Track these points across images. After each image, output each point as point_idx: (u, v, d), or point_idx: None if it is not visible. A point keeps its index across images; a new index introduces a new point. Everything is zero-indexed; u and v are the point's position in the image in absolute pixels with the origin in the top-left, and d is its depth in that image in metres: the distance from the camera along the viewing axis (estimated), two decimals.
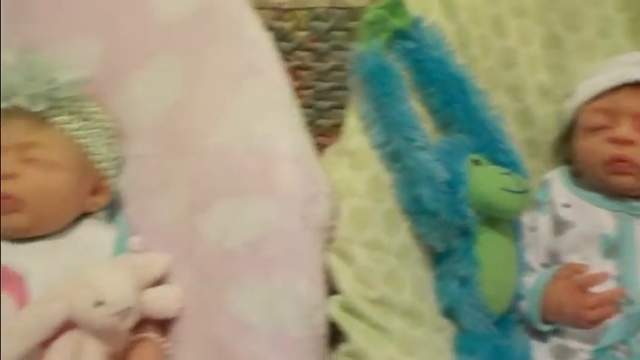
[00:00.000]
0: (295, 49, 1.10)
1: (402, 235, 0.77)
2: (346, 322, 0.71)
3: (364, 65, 0.78)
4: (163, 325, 0.78)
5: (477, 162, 0.80)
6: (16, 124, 0.77)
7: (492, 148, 0.81)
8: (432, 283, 0.78)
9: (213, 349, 0.72)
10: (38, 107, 0.76)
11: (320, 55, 1.13)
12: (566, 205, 0.86)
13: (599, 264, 0.82)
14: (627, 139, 0.82)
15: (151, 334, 0.76)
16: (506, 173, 0.79)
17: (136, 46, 0.86)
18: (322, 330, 0.71)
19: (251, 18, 0.82)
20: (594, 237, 0.83)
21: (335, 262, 0.74)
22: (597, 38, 0.94)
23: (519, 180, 0.79)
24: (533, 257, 0.85)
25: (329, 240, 0.76)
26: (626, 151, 0.82)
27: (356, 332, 0.70)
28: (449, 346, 0.75)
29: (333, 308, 0.72)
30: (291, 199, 0.73)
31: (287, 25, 1.08)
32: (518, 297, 0.83)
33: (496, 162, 0.81)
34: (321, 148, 0.82)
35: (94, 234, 0.81)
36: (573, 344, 0.80)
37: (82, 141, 0.80)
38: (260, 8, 0.93)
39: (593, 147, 0.84)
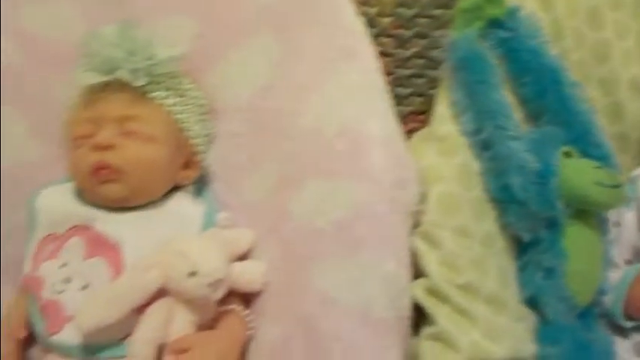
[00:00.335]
0: (378, 34, 1.10)
1: (488, 223, 0.77)
2: (431, 306, 0.72)
3: (457, 52, 0.79)
4: (247, 299, 0.81)
5: (568, 154, 0.79)
6: (117, 97, 0.80)
7: (584, 141, 0.81)
8: (515, 273, 0.79)
9: (297, 323, 0.74)
10: (139, 82, 0.79)
11: (402, 42, 1.13)
12: None
13: None
14: None
15: (236, 307, 0.79)
16: (599, 167, 0.79)
17: (231, 25, 0.88)
18: (407, 312, 0.72)
19: (346, 3, 0.84)
20: None
21: (421, 246, 0.75)
22: None
23: (612, 174, 0.79)
24: (617, 253, 0.85)
25: (415, 224, 0.77)
26: None
27: (441, 316, 0.71)
28: (530, 336, 0.75)
29: (418, 291, 0.74)
30: (380, 182, 0.75)
31: (372, 11, 1.08)
32: (601, 292, 0.82)
33: (587, 155, 0.80)
34: None
35: (184, 207, 0.83)
36: None
37: (178, 116, 0.82)
38: None
39: None
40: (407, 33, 1.13)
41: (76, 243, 0.79)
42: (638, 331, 0.81)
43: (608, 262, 0.83)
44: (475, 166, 0.78)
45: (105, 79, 0.80)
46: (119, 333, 0.73)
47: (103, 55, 0.80)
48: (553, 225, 0.77)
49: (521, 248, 0.79)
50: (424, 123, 0.92)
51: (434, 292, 0.73)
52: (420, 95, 1.22)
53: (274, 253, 0.80)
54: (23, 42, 0.90)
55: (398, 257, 0.73)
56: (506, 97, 0.79)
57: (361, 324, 0.70)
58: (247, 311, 0.80)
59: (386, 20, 1.11)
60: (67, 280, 0.77)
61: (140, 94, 0.80)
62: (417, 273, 0.75)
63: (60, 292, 0.76)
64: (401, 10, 1.10)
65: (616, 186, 0.78)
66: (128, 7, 0.90)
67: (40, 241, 0.81)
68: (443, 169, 0.77)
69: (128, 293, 0.72)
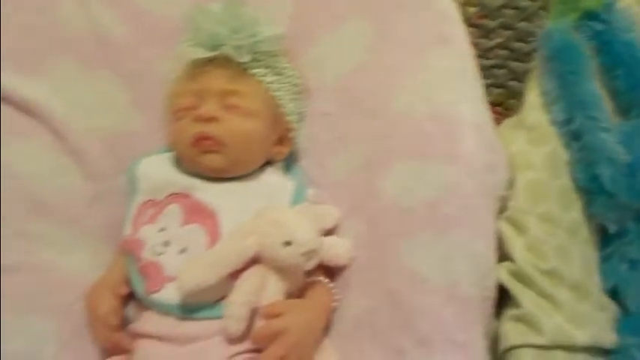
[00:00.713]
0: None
1: (574, 212, 0.78)
2: (516, 289, 0.75)
3: (551, 42, 0.80)
4: (332, 273, 0.84)
5: None
6: (220, 72, 0.84)
7: None
8: (598, 264, 0.80)
9: (383, 296, 0.77)
10: (242, 58, 0.83)
11: (486, 32, 1.14)
12: None
13: None
14: None
15: (323, 279, 0.83)
16: None
17: (327, 7, 0.91)
18: (492, 292, 0.75)
19: None
20: None
21: (507, 230, 0.77)
22: None
23: None
24: None
25: (502, 209, 0.79)
26: None
27: (526, 299, 0.74)
28: (612, 325, 0.76)
29: (503, 274, 0.76)
30: (471, 165, 0.77)
31: (458, 0, 1.11)
32: None
33: None
34: None
35: (276, 181, 0.88)
36: None
37: (275, 94, 0.86)
38: None
39: None
40: (492, 23, 1.14)
41: (174, 209, 0.84)
42: None
43: None
44: (564, 155, 0.79)
45: (210, 54, 0.84)
46: (215, 295, 0.78)
47: (208, 31, 0.84)
48: None
49: (606, 239, 0.80)
50: (501, 115, 0.94)
51: (519, 276, 0.75)
52: (499, 87, 1.23)
53: (360, 230, 0.84)
54: (131, 15, 0.95)
55: (486, 238, 0.75)
56: (598, 88, 0.80)
57: (448, 300, 0.73)
58: (333, 284, 0.84)
59: (471, 10, 1.12)
60: (166, 244, 0.82)
61: (242, 70, 0.84)
62: (502, 256, 0.77)
63: (159, 254, 0.81)
64: (487, 1, 1.11)
65: None
66: None
67: (139, 206, 0.87)
68: (532, 157, 0.79)
69: (227, 258, 0.76)
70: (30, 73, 0.88)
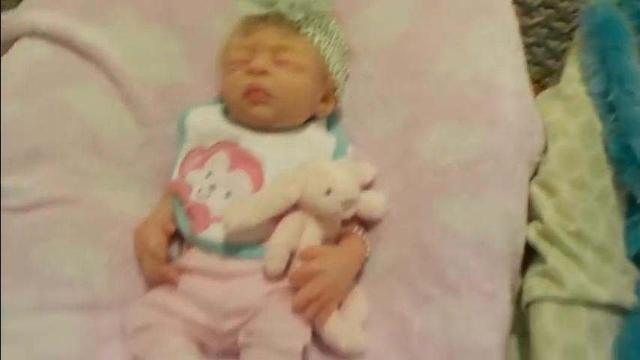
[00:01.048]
0: None
1: (604, 180, 0.82)
2: (543, 247, 0.79)
3: (594, 17, 0.83)
4: (367, 226, 0.89)
5: None
6: (273, 28, 0.88)
7: None
8: (624, 231, 0.83)
9: (415, 247, 0.82)
10: (295, 17, 0.87)
11: (528, 10, 1.16)
12: None
13: None
14: None
15: (357, 229, 0.88)
16: None
17: None
18: (521, 249, 0.79)
19: None
20: None
21: (538, 193, 0.81)
22: None
23: None
24: None
25: (535, 174, 0.83)
26: None
27: (552, 256, 0.78)
28: (633, 288, 0.80)
29: (532, 233, 0.80)
30: (509, 129, 0.81)
31: None
32: None
33: None
34: None
35: (319, 136, 0.92)
36: None
37: (323, 52, 0.90)
38: None
39: None
40: (534, 2, 1.16)
41: (221, 157, 0.89)
42: None
43: None
44: (598, 126, 0.83)
45: (264, 11, 0.88)
46: (257, 237, 0.83)
47: None
48: None
49: (633, 208, 0.83)
50: (537, 93, 0.97)
51: (547, 236, 0.79)
52: (537, 64, 1.26)
53: (396, 187, 0.88)
54: None
55: (518, 198, 0.79)
56: (636, 65, 0.83)
57: (477, 253, 0.77)
58: (366, 235, 0.88)
59: None
60: (212, 188, 0.87)
61: (293, 28, 0.89)
62: (531, 217, 0.81)
63: (206, 197, 0.86)
64: None
65: None
66: None
67: (188, 153, 0.92)
68: (567, 126, 0.82)
69: (271, 201, 0.81)
70: (92, 21, 0.93)
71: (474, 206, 0.79)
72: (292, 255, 0.83)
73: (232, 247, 0.83)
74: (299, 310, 0.79)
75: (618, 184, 0.82)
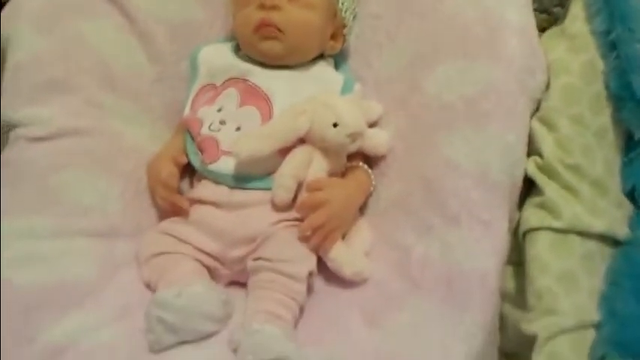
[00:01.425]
0: None
1: (604, 117, 0.84)
2: (542, 180, 0.81)
3: None
4: (371, 162, 0.92)
5: None
6: None
7: None
8: (620, 167, 0.86)
9: (418, 181, 0.85)
10: None
11: None
12: None
13: None
14: None
15: (362, 164, 0.91)
16: None
17: None
18: (519, 181, 0.82)
19: None
20: None
21: (539, 128, 0.83)
22: None
23: None
24: None
25: (536, 109, 0.85)
26: None
27: (550, 189, 0.81)
28: (626, 221, 0.83)
29: (531, 166, 0.83)
30: (512, 66, 0.83)
31: None
32: None
33: None
34: None
35: (326, 73, 0.94)
36: None
37: None
38: None
39: None
40: None
41: (231, 92, 0.91)
42: None
43: None
44: (600, 64, 0.85)
45: None
46: (265, 168, 0.86)
47: None
48: None
49: (631, 144, 0.86)
50: None
51: (545, 169, 0.82)
52: (543, 12, 1.26)
53: (402, 124, 0.91)
54: None
55: (518, 131, 0.82)
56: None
57: (478, 184, 0.80)
58: (371, 170, 0.91)
59: None
60: (223, 122, 0.89)
61: None
62: (531, 152, 0.84)
63: (217, 131, 0.89)
64: None
65: None
66: None
67: (199, 89, 0.94)
68: (569, 63, 0.84)
69: (281, 132, 0.84)
70: None
71: (475, 139, 0.82)
72: (299, 187, 0.86)
73: (241, 179, 0.87)
74: (305, 238, 0.83)
75: (617, 121, 0.85)
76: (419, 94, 0.89)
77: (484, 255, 0.78)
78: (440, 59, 0.88)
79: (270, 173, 0.86)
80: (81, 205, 0.86)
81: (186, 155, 0.92)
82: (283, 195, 0.84)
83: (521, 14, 0.86)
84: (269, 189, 0.85)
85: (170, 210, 0.89)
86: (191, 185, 0.94)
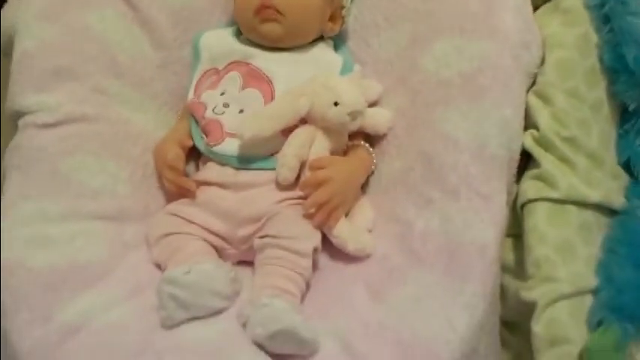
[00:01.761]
0: None
1: (599, 90, 0.86)
2: (538, 153, 0.84)
3: None
4: (372, 141, 0.94)
5: None
6: None
7: None
8: (616, 139, 0.88)
9: (418, 157, 0.87)
10: None
11: None
12: None
13: None
14: None
15: (364, 143, 0.93)
16: None
17: None
18: (517, 154, 0.84)
19: None
20: None
21: (535, 102, 0.86)
22: None
23: None
24: None
25: (532, 84, 0.87)
26: None
27: (546, 161, 0.83)
28: (622, 191, 0.86)
29: (528, 140, 0.85)
30: (508, 41, 0.85)
31: None
32: None
33: None
34: None
35: (326, 55, 0.96)
36: None
37: None
38: None
39: None
40: None
41: (234, 76, 0.93)
42: None
43: None
44: (594, 38, 0.87)
45: None
46: (269, 149, 0.88)
47: None
48: None
49: (625, 117, 0.88)
50: None
51: (541, 142, 0.84)
52: None
53: (401, 102, 0.93)
54: None
55: (515, 105, 0.84)
56: None
57: (476, 157, 0.82)
58: (372, 149, 0.93)
59: None
60: (226, 105, 0.92)
61: None
62: (528, 126, 0.86)
63: (220, 114, 0.91)
64: None
65: None
66: None
67: (202, 73, 0.96)
68: (564, 37, 0.86)
69: (283, 112, 0.86)
70: None
71: (472, 114, 0.84)
72: (302, 166, 0.88)
73: (245, 160, 0.89)
74: (309, 215, 0.85)
75: (612, 94, 0.87)
76: (417, 72, 0.91)
77: (483, 227, 0.80)
78: (437, 37, 0.90)
79: (273, 153, 0.88)
80: (90, 189, 0.88)
81: (192, 138, 0.94)
82: (287, 174, 0.86)
83: None
84: (273, 169, 0.87)
85: (177, 192, 0.92)
86: (197, 168, 0.97)
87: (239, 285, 0.85)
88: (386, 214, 0.89)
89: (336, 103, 0.86)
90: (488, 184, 0.81)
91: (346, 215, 0.89)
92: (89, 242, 0.85)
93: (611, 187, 0.84)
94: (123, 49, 0.96)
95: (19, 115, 0.89)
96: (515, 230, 0.85)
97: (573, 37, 0.86)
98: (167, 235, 0.87)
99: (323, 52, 0.96)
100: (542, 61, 0.87)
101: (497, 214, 0.81)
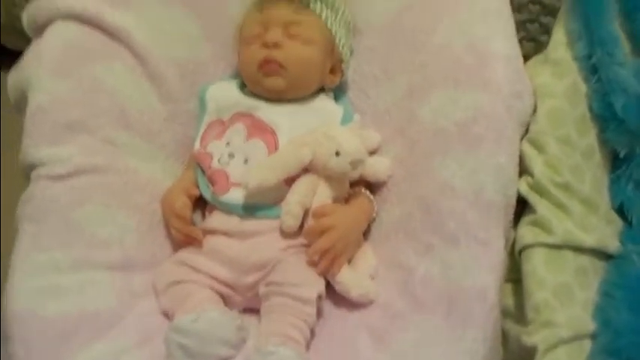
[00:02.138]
0: None
1: (589, 137, 0.89)
2: (534, 199, 0.86)
3: None
4: (373, 188, 0.97)
5: None
6: (284, 6, 0.96)
7: None
8: (608, 185, 0.91)
9: (417, 204, 0.90)
10: None
11: None
12: None
13: None
14: None
15: (365, 190, 0.95)
16: None
17: None
18: (513, 200, 0.86)
19: None
20: None
21: (528, 149, 0.88)
22: None
23: None
24: None
25: (525, 132, 0.90)
26: None
27: (542, 207, 0.85)
28: (617, 237, 0.88)
29: (523, 186, 0.88)
30: (500, 92, 0.88)
31: None
32: None
33: None
34: None
35: (327, 106, 1.00)
36: None
37: (330, 27, 0.98)
38: None
39: None
40: None
41: (238, 127, 0.97)
42: None
43: None
44: (583, 87, 0.90)
45: None
46: (273, 198, 0.91)
47: None
48: None
49: (617, 163, 0.91)
50: None
51: (536, 188, 0.86)
52: (531, 40, 1.32)
53: (400, 151, 0.96)
54: None
55: (509, 153, 0.87)
56: (617, 30, 0.90)
57: (473, 204, 0.85)
58: (373, 197, 0.96)
59: None
60: (231, 156, 0.95)
61: (303, 4, 0.96)
62: (522, 172, 0.88)
63: (226, 164, 0.94)
64: None
65: None
66: None
67: (208, 124, 1.00)
68: (554, 88, 0.89)
69: (286, 162, 0.89)
70: (119, 5, 1.00)
71: (469, 162, 0.87)
72: (306, 214, 0.90)
73: (251, 208, 0.91)
74: (313, 262, 0.88)
75: (602, 141, 0.90)
76: (415, 121, 0.95)
77: (482, 272, 0.82)
78: (433, 89, 0.93)
79: (277, 202, 0.91)
80: (100, 239, 0.91)
81: (198, 188, 0.97)
82: (290, 221, 0.89)
83: (506, 43, 0.91)
84: (277, 217, 0.90)
85: (184, 241, 0.94)
86: (203, 217, 0.99)
87: (245, 333, 0.87)
88: (388, 260, 0.91)
89: (337, 153, 0.89)
90: (486, 230, 0.84)
91: (349, 261, 0.91)
92: (99, 292, 0.87)
93: (605, 232, 0.86)
94: (132, 102, 0.99)
95: (31, 167, 0.92)
96: (515, 275, 0.87)
97: (563, 87, 0.89)
98: (174, 283, 0.90)
99: (324, 103, 1.00)
100: (535, 110, 0.90)
101: (496, 260, 0.83)
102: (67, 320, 0.83)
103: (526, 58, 0.95)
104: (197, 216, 1.00)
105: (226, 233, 0.92)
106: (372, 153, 0.98)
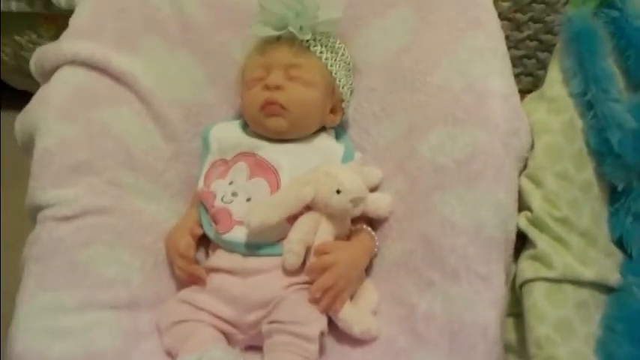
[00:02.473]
0: None
1: (587, 172, 0.90)
2: (533, 233, 0.87)
3: (572, 26, 0.92)
4: (374, 224, 0.98)
5: None
6: (285, 49, 0.98)
7: None
8: (607, 218, 0.91)
9: (418, 240, 0.91)
10: (305, 37, 0.97)
11: (517, 25, 1.25)
12: None
13: None
14: None
15: (366, 227, 0.97)
16: None
17: None
18: (513, 235, 0.87)
19: None
20: None
21: (527, 184, 0.89)
22: None
23: None
24: None
25: (523, 168, 0.91)
26: None
27: (541, 241, 0.86)
28: (617, 269, 0.88)
29: (522, 221, 0.88)
30: (498, 129, 0.90)
31: None
32: None
33: None
34: None
35: (328, 144, 1.02)
36: None
37: (330, 68, 1.00)
38: None
39: None
40: (523, 17, 1.26)
41: (241, 166, 0.98)
42: None
43: None
44: (579, 123, 0.91)
45: (277, 33, 0.98)
46: (275, 236, 0.92)
47: (276, 14, 0.98)
48: None
49: (615, 196, 0.92)
50: None
51: (536, 223, 0.87)
52: (528, 75, 1.35)
53: (400, 188, 0.98)
54: (209, 2, 1.09)
55: (508, 189, 0.88)
56: (612, 66, 0.92)
57: (474, 239, 0.85)
58: (374, 233, 0.97)
59: (505, 4, 1.24)
60: (234, 194, 0.96)
61: (304, 47, 0.99)
62: (521, 207, 0.89)
63: (229, 203, 0.96)
64: None
65: None
66: None
67: (211, 164, 1.02)
68: (550, 124, 0.91)
69: (288, 201, 0.91)
70: (125, 50, 1.04)
71: (468, 198, 0.88)
72: (308, 252, 0.91)
73: (253, 247, 0.92)
74: (315, 300, 0.88)
75: (600, 175, 0.91)
76: (415, 158, 0.96)
77: (484, 307, 0.82)
78: (432, 127, 0.95)
79: (280, 240, 0.92)
80: (105, 279, 0.92)
81: (202, 226, 0.98)
82: (293, 259, 0.90)
83: (503, 82, 0.93)
84: (280, 255, 0.91)
85: (188, 279, 0.95)
86: (207, 255, 1.00)
87: None
88: (389, 296, 0.92)
89: (338, 191, 0.90)
90: (486, 265, 0.84)
91: (351, 298, 0.92)
92: (104, 332, 0.88)
93: (605, 265, 0.87)
94: (137, 144, 1.02)
95: (38, 209, 0.94)
96: (517, 309, 0.87)
97: (559, 123, 0.91)
98: (177, 322, 0.90)
99: (325, 141, 1.02)
100: (532, 146, 0.91)
101: (497, 295, 0.83)
102: None
103: (524, 92, 0.96)
104: (201, 254, 1.01)
105: (229, 271, 0.93)
106: (373, 189, 0.99)
